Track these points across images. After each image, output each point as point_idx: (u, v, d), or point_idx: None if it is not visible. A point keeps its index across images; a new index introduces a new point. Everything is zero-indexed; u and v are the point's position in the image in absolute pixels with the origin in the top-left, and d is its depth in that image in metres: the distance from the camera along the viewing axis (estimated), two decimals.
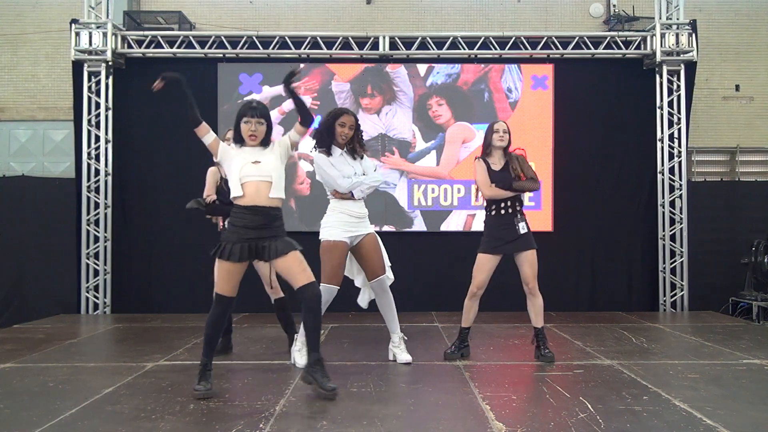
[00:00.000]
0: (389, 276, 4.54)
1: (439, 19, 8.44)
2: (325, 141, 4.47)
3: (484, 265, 4.54)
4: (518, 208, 4.58)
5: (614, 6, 8.34)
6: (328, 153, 4.45)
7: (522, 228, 4.54)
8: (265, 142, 3.76)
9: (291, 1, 8.44)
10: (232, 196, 3.69)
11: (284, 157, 3.78)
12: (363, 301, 4.69)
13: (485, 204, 4.66)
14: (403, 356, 4.54)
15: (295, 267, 3.65)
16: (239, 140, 3.75)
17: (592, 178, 7.79)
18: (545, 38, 7.72)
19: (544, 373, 4.26)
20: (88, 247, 7.59)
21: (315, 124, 4.32)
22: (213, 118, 7.68)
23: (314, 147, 4.55)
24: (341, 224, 4.37)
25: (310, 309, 3.66)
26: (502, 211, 4.54)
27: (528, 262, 4.55)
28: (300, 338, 4.44)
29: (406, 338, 4.67)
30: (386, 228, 7.54)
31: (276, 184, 3.67)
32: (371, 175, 4.50)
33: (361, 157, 4.52)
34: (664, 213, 7.68)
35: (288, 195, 7.71)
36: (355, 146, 4.47)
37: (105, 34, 7.52)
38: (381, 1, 8.47)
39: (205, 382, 3.67)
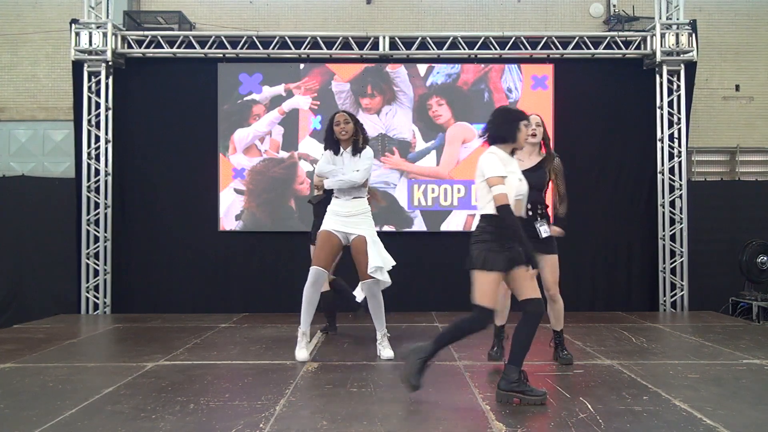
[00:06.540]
0: (384, 279, 4.61)
1: (439, 19, 8.45)
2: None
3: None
4: None
5: (614, 6, 8.34)
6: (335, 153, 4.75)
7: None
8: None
9: (291, 1, 8.44)
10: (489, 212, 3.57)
11: None
12: (358, 294, 4.95)
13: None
14: (386, 352, 4.72)
15: (528, 279, 3.58)
16: (502, 141, 3.63)
17: (592, 178, 7.78)
18: (545, 38, 7.73)
19: (544, 373, 4.25)
20: (88, 247, 7.60)
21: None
22: (213, 118, 7.71)
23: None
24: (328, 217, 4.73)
25: (527, 322, 3.57)
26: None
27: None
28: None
29: (389, 335, 4.84)
30: (386, 228, 7.53)
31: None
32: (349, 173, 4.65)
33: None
34: (664, 213, 7.68)
35: (288, 195, 7.73)
36: (358, 142, 4.68)
37: (105, 34, 7.52)
38: (381, 1, 8.47)
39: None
